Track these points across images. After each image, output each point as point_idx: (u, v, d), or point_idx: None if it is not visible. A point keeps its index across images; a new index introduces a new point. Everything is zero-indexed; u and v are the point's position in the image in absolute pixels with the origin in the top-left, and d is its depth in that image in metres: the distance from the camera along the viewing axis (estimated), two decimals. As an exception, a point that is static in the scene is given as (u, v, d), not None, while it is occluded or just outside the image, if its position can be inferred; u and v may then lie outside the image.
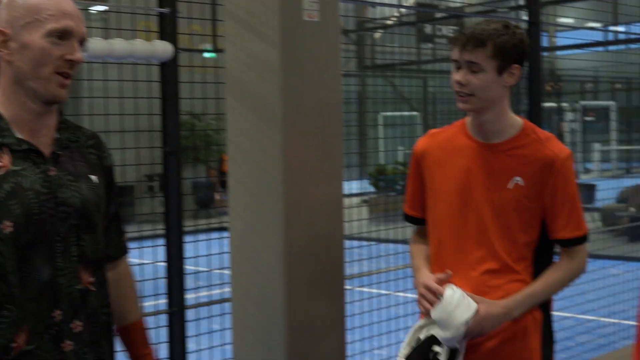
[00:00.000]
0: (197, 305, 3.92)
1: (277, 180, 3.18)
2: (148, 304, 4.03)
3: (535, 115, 4.85)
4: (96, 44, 3.32)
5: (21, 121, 2.09)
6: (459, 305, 2.56)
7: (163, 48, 3.49)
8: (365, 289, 4.55)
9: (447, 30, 17.58)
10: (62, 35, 2.05)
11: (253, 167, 3.28)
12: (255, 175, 3.27)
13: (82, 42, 2.11)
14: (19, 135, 2.08)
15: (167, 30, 3.57)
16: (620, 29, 17.74)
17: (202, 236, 4.06)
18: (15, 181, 2.03)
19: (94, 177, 2.19)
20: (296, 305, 3.22)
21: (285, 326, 3.20)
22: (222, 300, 3.87)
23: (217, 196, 15.40)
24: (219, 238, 3.98)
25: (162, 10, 3.57)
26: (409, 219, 3.02)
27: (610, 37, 16.42)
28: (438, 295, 2.61)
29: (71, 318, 2.07)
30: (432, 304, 2.64)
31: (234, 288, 3.39)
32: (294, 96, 3.19)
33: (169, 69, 3.58)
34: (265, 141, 3.22)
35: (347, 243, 4.50)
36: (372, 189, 15.40)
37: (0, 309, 2.01)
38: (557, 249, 2.82)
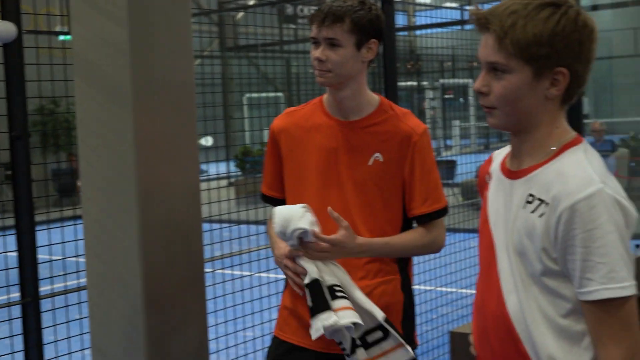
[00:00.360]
0: (52, 295, 3.79)
1: (130, 163, 3.10)
2: (1, 298, 3.88)
3: (391, 93, 4.91)
4: None
5: None
6: (297, 215, 2.57)
7: (5, 28, 3.33)
8: (228, 271, 4.52)
9: (309, 10, 17.64)
10: None
11: (105, 150, 3.19)
12: (108, 158, 3.18)
13: None
14: None
15: (10, 9, 3.41)
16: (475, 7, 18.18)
17: (57, 224, 3.92)
18: None
19: None
20: (155, 291, 3.15)
21: (144, 312, 3.13)
22: (78, 289, 3.76)
23: (79, 182, 14.99)
24: (73, 225, 3.86)
25: (4, -11, 3.41)
26: (267, 199, 3.01)
27: (467, 16, 16.85)
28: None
29: None
30: (298, 274, 2.65)
31: (90, 275, 3.30)
32: (144, 76, 3.11)
33: (12, 51, 3.43)
34: (117, 123, 3.13)
35: (211, 225, 4.46)
36: (238, 171, 15.34)
37: None
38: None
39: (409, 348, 2.62)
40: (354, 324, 2.53)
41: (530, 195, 1.91)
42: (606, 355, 1.83)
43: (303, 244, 2.60)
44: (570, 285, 1.86)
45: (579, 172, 1.86)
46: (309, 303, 2.58)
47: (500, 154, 2.12)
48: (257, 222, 5.18)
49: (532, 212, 1.89)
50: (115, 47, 3.10)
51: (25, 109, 3.44)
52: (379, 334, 2.61)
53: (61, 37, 10.65)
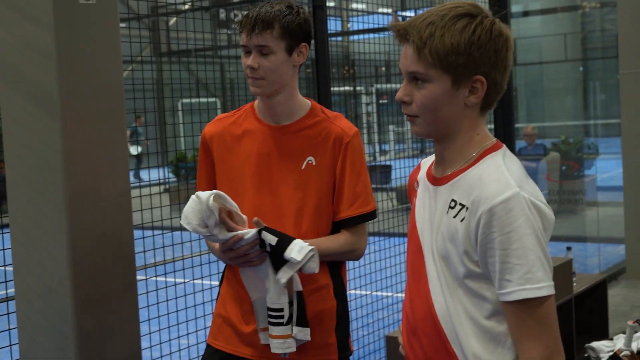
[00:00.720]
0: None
1: (57, 170, 3.04)
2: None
3: (324, 99, 4.91)
4: None
5: None
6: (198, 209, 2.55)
7: None
8: (162, 279, 4.46)
9: (242, 15, 17.57)
10: None
11: (32, 158, 3.12)
12: (35, 165, 3.12)
13: None
14: None
15: None
16: (410, 14, 18.42)
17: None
18: None
19: None
20: (86, 300, 3.10)
21: (75, 323, 3.07)
22: (7, 299, 3.67)
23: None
24: (0, 233, 3.77)
25: None
26: None
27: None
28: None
29: None
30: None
31: (18, 285, 3.23)
32: (71, 82, 3.06)
33: None
34: (44, 130, 3.07)
35: (146, 232, 4.40)
36: (173, 177, 15.21)
37: None
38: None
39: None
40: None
41: (453, 200, 1.96)
42: (525, 353, 1.88)
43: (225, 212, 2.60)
44: (492, 287, 1.91)
45: (497, 176, 1.91)
46: (273, 243, 2.56)
47: (428, 162, 2.17)
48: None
49: (454, 216, 1.94)
50: (41, 53, 3.04)
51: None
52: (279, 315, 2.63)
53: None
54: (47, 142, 3.06)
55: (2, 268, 3.81)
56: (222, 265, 3.01)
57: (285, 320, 2.62)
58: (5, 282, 3.53)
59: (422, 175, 2.15)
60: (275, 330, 2.63)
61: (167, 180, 14.13)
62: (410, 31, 1.94)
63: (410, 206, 2.21)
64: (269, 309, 2.63)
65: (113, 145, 3.20)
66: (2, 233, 3.64)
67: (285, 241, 2.57)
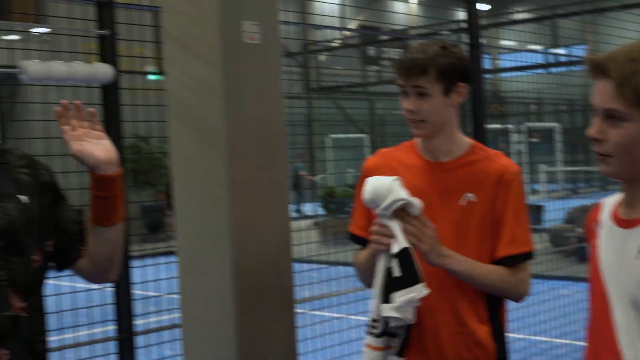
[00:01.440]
0: (147, 332, 3.84)
1: (222, 203, 3.14)
2: (97, 331, 3.96)
3: (479, 136, 4.88)
4: (34, 67, 3.26)
5: None
6: (394, 186, 2.53)
7: (103, 70, 3.44)
8: (317, 312, 4.51)
9: (392, 52, 17.70)
10: None
11: (198, 190, 3.24)
12: (201, 198, 3.23)
13: None
14: None
15: (107, 52, 3.52)
16: (561, 51, 18.03)
17: (150, 261, 3.98)
18: None
19: (23, 198, 2.12)
20: (247, 329, 3.17)
21: (236, 351, 3.14)
22: (172, 326, 3.81)
23: (166, 220, 15.26)
24: (166, 263, 3.92)
25: (101, 32, 3.52)
26: (356, 239, 2.98)
27: (551, 59, 16.70)
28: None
29: None
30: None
31: (184, 313, 3.33)
32: (236, 118, 3.16)
33: (110, 92, 3.53)
34: (210, 164, 3.18)
35: (298, 266, 4.47)
36: (322, 212, 15.40)
37: None
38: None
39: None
40: None
41: None
42: None
43: (400, 216, 2.57)
44: None
45: None
46: (397, 273, 2.52)
47: (610, 202, 2.05)
48: (345, 264, 5.17)
49: None
50: (208, 90, 3.16)
51: (121, 148, 3.52)
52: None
53: (151, 77, 10.92)
54: (212, 176, 3.17)
55: (168, 296, 3.95)
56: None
57: (378, 332, 2.58)
58: (170, 309, 3.66)
59: (604, 216, 2.02)
60: (368, 339, 2.60)
61: (316, 214, 14.30)
62: (609, 66, 1.84)
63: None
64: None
65: (275, 178, 3.28)
66: (169, 262, 3.77)
67: (409, 279, 2.54)
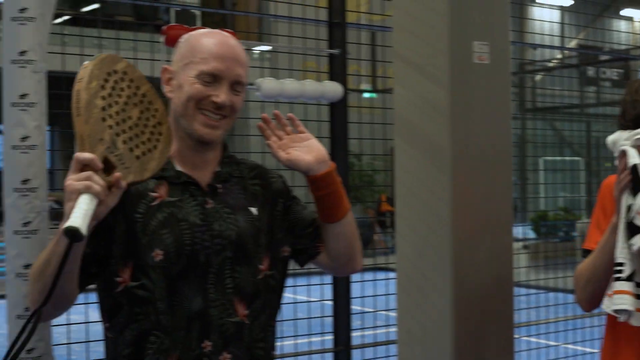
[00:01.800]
0: (363, 346, 3.90)
1: (446, 223, 3.15)
2: (315, 340, 4.06)
3: None
4: (268, 84, 3.40)
5: (182, 155, 2.15)
6: None
7: (333, 88, 3.54)
8: (525, 338, 4.41)
9: (612, 73, 17.05)
10: (212, 77, 2.09)
11: (421, 209, 3.26)
12: (424, 217, 3.25)
13: (235, 84, 2.12)
14: (178, 168, 2.14)
15: (337, 70, 3.61)
16: None
17: (367, 276, 4.05)
18: (169, 211, 2.08)
19: (254, 210, 2.20)
20: (463, 352, 3.15)
21: (450, 372, 3.14)
22: (387, 342, 3.85)
23: (375, 237, 15.43)
24: (385, 279, 3.97)
25: (332, 51, 3.63)
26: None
27: None
28: None
29: (221, 350, 2.06)
30: None
31: (400, 330, 3.37)
32: (463, 139, 3.16)
33: (338, 109, 3.62)
34: (434, 183, 3.20)
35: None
36: (532, 235, 15.05)
37: (148, 335, 2.06)
38: None
39: None
40: None
41: None
42: None
43: None
44: None
45: None
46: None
47: None
48: (556, 290, 5.04)
49: None
50: (436, 109, 3.19)
51: (347, 166, 3.61)
52: None
53: (366, 95, 11.13)
54: (436, 194, 3.18)
55: (385, 312, 4.00)
56: (596, 331, 2.89)
57: (624, 275, 2.43)
58: (387, 325, 3.70)
59: None
60: (615, 285, 2.45)
61: (526, 237, 14.00)
62: None
63: None
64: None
65: (499, 201, 3.25)
66: (387, 278, 3.81)
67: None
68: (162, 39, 2.27)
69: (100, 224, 1.98)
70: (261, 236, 2.19)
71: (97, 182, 1.83)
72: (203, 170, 2.17)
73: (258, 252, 2.18)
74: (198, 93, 2.09)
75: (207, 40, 2.13)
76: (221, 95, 2.10)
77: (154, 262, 2.05)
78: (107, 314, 2.13)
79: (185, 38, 2.19)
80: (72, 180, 1.82)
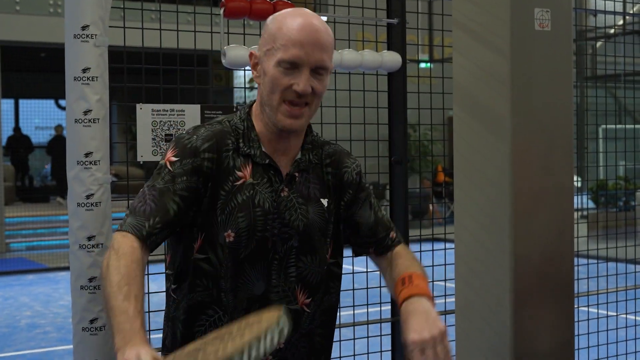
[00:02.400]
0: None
1: (505, 193, 3.12)
2: (373, 311, 4.07)
3: None
4: (328, 55, 3.38)
5: (266, 138, 2.15)
6: None
7: (392, 58, 3.52)
8: (583, 308, 4.36)
9: (675, 39, 16.56)
10: (291, 65, 2.06)
11: (480, 179, 3.23)
12: (482, 187, 3.22)
13: (318, 70, 2.09)
14: (264, 149, 2.14)
15: (395, 40, 3.59)
16: None
17: (424, 246, 4.04)
18: (249, 194, 2.09)
19: (325, 201, 2.20)
20: (523, 322, 3.13)
21: (511, 343, 3.12)
22: (445, 312, 3.85)
23: (430, 207, 15.38)
24: (442, 249, 3.95)
25: (390, 21, 3.60)
26: None
27: None
28: None
29: None
30: None
31: (458, 300, 3.36)
32: (523, 108, 3.12)
33: (396, 80, 3.60)
34: (493, 153, 3.17)
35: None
36: (591, 205, 14.84)
37: (206, 308, 2.10)
38: None
39: None
40: None
41: None
42: None
43: None
44: None
45: None
46: None
47: None
48: (614, 260, 4.98)
49: None
50: (496, 78, 3.14)
51: (406, 136, 3.59)
52: None
53: (422, 65, 11.05)
54: (496, 165, 3.15)
55: (442, 282, 3.99)
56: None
57: None
58: (444, 295, 3.69)
59: None
60: None
61: (586, 208, 13.81)
62: None
63: None
64: None
65: (560, 171, 3.20)
66: (445, 249, 3.80)
67: None
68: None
69: (191, 190, 2.03)
70: (329, 227, 2.20)
71: None
72: (283, 156, 2.17)
73: (325, 243, 2.19)
74: (279, 82, 2.07)
75: (290, 24, 2.08)
76: (301, 83, 2.07)
77: (224, 242, 2.07)
78: (175, 276, 2.17)
79: (271, 20, 2.14)
80: None
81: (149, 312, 3.14)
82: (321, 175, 2.23)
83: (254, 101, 2.20)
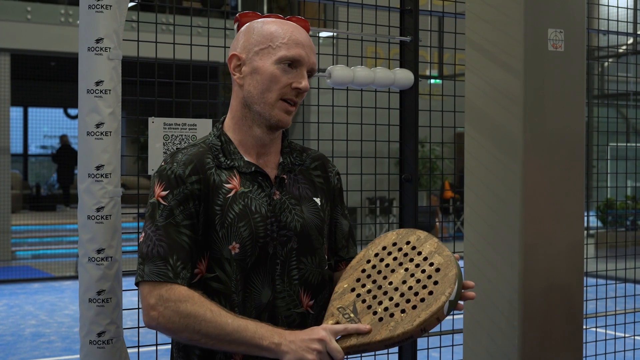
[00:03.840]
0: (428, 335, 3.87)
1: (515, 213, 3.10)
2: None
3: None
4: (340, 72, 3.38)
5: (247, 145, 2.17)
6: None
7: (404, 76, 3.51)
8: (592, 329, 4.34)
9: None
10: (292, 63, 2.12)
11: (490, 198, 3.22)
12: (493, 206, 3.21)
13: (310, 71, 2.17)
14: (247, 159, 2.16)
15: (408, 58, 3.58)
16: None
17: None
18: (244, 203, 2.10)
19: (317, 200, 2.23)
20: (531, 342, 3.11)
21: (517, 362, 3.10)
22: (453, 332, 3.82)
23: (437, 223, 15.35)
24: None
25: (403, 38, 3.59)
26: None
27: None
28: None
29: None
30: None
31: (466, 318, 3.34)
32: (535, 128, 3.11)
33: (408, 97, 3.59)
34: (504, 172, 3.16)
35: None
36: (597, 224, 14.79)
37: None
38: None
39: None
40: None
41: None
42: None
43: None
44: None
45: None
46: None
47: None
48: (623, 280, 4.95)
49: None
50: (508, 97, 3.14)
51: (417, 154, 3.58)
52: None
53: (432, 81, 11.05)
54: (506, 185, 3.14)
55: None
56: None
57: None
58: (452, 314, 3.66)
59: None
60: None
61: (594, 227, 13.77)
62: None
63: None
64: None
65: (571, 192, 3.19)
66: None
67: None
68: (235, 26, 2.27)
69: (192, 216, 2.04)
70: (324, 226, 2.21)
71: None
72: (267, 160, 2.19)
73: (322, 243, 2.20)
74: (278, 80, 2.11)
75: (285, 26, 2.15)
76: (303, 81, 2.13)
77: (230, 255, 2.07)
78: None
79: (253, 25, 2.19)
80: None
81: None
82: (310, 177, 2.26)
83: (224, 117, 2.22)
